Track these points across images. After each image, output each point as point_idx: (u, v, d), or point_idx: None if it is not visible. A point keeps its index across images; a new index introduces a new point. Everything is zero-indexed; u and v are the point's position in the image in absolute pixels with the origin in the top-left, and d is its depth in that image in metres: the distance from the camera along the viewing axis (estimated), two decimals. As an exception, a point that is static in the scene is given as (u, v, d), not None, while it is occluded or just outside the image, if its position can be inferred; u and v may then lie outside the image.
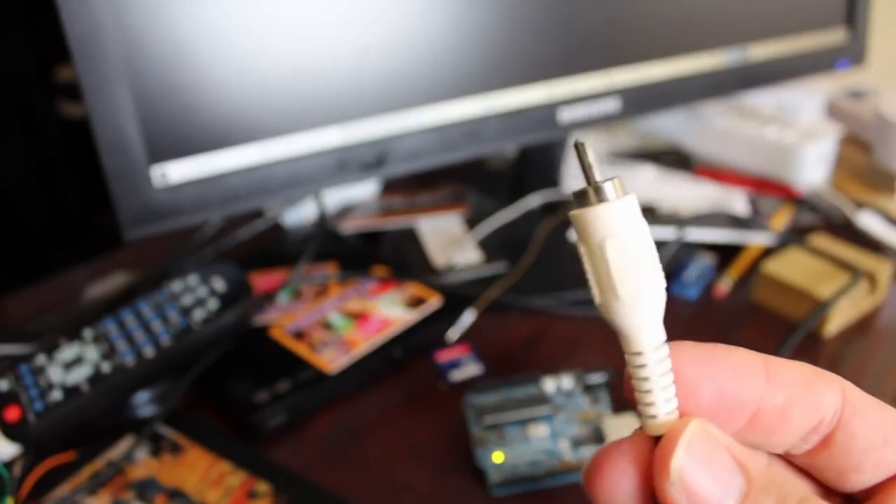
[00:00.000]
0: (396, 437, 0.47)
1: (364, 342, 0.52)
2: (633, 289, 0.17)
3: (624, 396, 0.19)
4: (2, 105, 1.38)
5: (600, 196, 0.17)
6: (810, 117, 0.79)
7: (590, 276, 0.18)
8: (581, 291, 0.58)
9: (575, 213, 0.18)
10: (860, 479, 0.18)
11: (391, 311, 0.55)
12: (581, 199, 0.18)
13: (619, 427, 0.44)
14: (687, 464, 0.16)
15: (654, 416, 0.18)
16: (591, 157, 0.18)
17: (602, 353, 0.52)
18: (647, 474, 0.17)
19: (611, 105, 0.60)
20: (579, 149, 0.18)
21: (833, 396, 0.18)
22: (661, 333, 0.18)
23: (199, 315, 0.48)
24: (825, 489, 0.19)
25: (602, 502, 0.18)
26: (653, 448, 0.17)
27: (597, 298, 0.18)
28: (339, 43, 0.49)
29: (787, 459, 0.19)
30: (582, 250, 0.18)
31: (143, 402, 0.48)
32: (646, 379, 0.18)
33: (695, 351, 0.18)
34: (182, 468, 0.43)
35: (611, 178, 0.18)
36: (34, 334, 0.54)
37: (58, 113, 1.43)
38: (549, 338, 0.55)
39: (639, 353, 0.18)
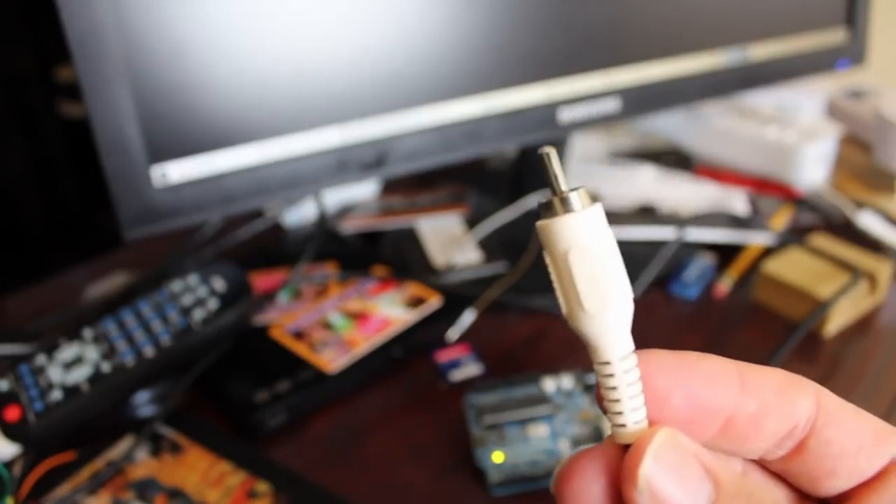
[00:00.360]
0: (396, 437, 0.47)
1: (364, 342, 0.52)
2: (599, 300, 0.17)
3: (596, 404, 0.19)
4: (2, 105, 1.39)
5: (566, 206, 0.17)
6: (810, 117, 0.79)
7: (556, 286, 0.18)
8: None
9: (540, 223, 0.18)
10: (834, 484, 0.18)
11: (391, 311, 0.55)
12: (547, 209, 0.18)
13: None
14: (655, 472, 0.17)
15: (622, 425, 0.18)
16: (557, 166, 0.18)
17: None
18: (616, 483, 0.17)
19: (611, 105, 0.60)
20: (545, 158, 0.18)
21: (807, 403, 0.18)
22: (629, 343, 0.18)
23: (199, 315, 0.48)
24: (800, 494, 0.19)
25: None
26: (622, 457, 0.17)
27: (563, 309, 0.18)
28: (339, 43, 0.49)
29: (762, 465, 0.19)
30: (548, 261, 0.18)
31: (143, 402, 0.48)
32: (614, 388, 0.18)
33: (666, 359, 0.18)
34: (182, 468, 0.43)
35: (576, 188, 0.18)
36: (34, 334, 0.54)
37: (58, 113, 1.43)
38: (549, 338, 0.55)
39: (606, 363, 0.18)
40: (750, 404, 0.18)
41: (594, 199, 0.18)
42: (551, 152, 0.18)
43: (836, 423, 0.18)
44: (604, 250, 0.17)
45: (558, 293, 0.18)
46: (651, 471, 0.17)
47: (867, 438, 0.18)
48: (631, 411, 0.18)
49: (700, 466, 0.17)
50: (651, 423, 0.18)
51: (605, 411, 0.18)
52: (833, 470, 0.18)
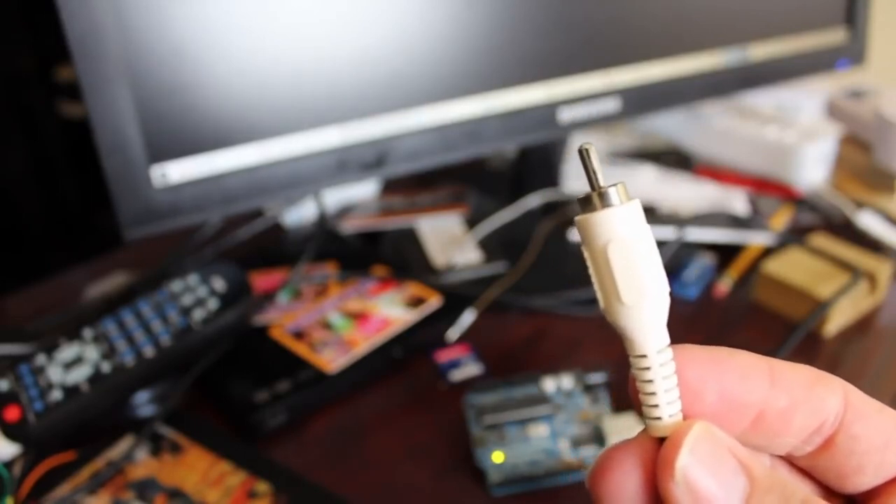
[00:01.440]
0: (396, 437, 0.47)
1: (364, 342, 0.52)
2: (637, 293, 0.18)
3: (629, 397, 0.19)
4: (2, 105, 1.39)
5: (605, 201, 0.18)
6: (810, 117, 0.79)
7: (594, 280, 0.18)
8: (581, 291, 0.58)
9: (579, 218, 0.18)
10: (862, 480, 0.18)
11: (391, 310, 0.55)
12: (585, 204, 0.18)
13: (619, 427, 0.44)
14: (691, 464, 0.17)
15: (658, 418, 0.18)
16: (596, 162, 0.18)
17: (602, 353, 0.52)
18: (652, 475, 0.17)
19: (611, 105, 0.60)
20: (584, 154, 0.18)
21: (835, 399, 0.18)
22: (665, 337, 0.18)
23: (199, 315, 0.48)
24: (827, 491, 0.19)
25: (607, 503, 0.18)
26: (657, 449, 0.18)
27: (601, 303, 0.18)
28: (339, 43, 0.49)
29: (790, 461, 0.19)
30: (586, 255, 0.18)
31: (143, 402, 0.48)
32: (650, 381, 0.18)
33: (699, 353, 0.18)
34: (182, 468, 0.43)
35: (615, 184, 0.18)
36: (34, 334, 0.54)
37: (58, 113, 1.43)
38: (549, 338, 0.55)
39: (643, 357, 0.18)
40: (780, 399, 0.18)
41: (631, 195, 0.18)
42: (591, 148, 0.18)
43: (864, 419, 0.18)
44: (642, 244, 0.18)
45: (596, 287, 0.18)
46: (687, 463, 0.17)
47: (894, 434, 0.18)
48: (667, 404, 0.18)
49: (735, 460, 0.17)
50: (685, 417, 0.18)
51: (639, 405, 0.18)
52: (860, 466, 0.18)
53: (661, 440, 0.18)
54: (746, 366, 0.18)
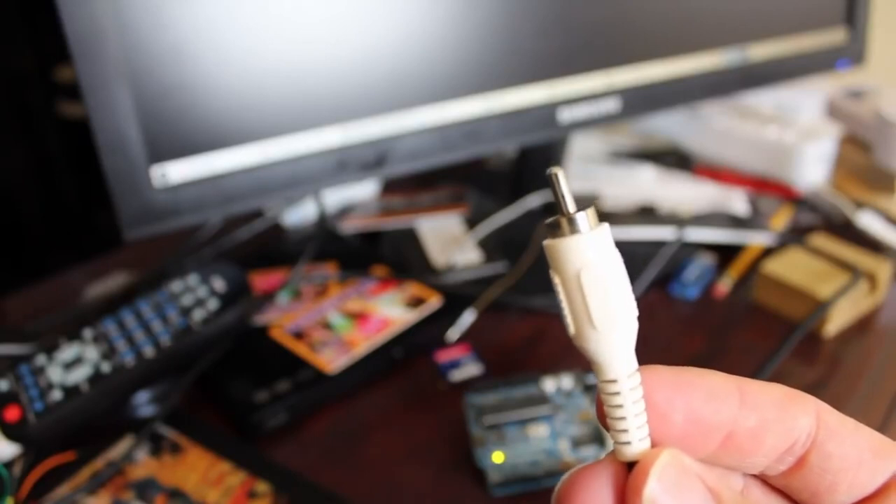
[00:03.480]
0: (396, 437, 0.47)
1: (364, 342, 0.52)
2: (608, 318, 0.18)
3: (598, 420, 0.19)
4: (2, 105, 1.39)
5: (573, 227, 0.18)
6: (810, 117, 0.79)
7: (564, 305, 0.18)
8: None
9: (549, 243, 0.18)
10: (835, 499, 0.18)
11: (391, 311, 0.55)
12: (555, 228, 0.18)
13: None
14: (659, 493, 0.17)
15: (627, 443, 0.18)
16: (565, 187, 0.18)
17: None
18: (619, 499, 0.18)
19: (611, 105, 0.60)
20: (554, 178, 0.18)
21: (807, 419, 0.18)
22: (634, 361, 0.18)
23: (198, 315, 0.48)
24: None
25: None
26: (625, 473, 0.18)
27: (571, 328, 0.18)
28: (339, 43, 0.49)
29: (763, 480, 0.19)
30: (556, 280, 0.18)
31: (143, 402, 0.48)
32: (619, 406, 0.18)
33: (666, 375, 0.18)
34: (182, 468, 0.43)
35: (584, 208, 0.18)
36: (34, 334, 0.54)
37: (58, 113, 1.44)
38: (549, 338, 0.55)
39: (613, 381, 0.18)
40: (749, 419, 0.18)
41: (600, 219, 0.18)
42: (559, 172, 0.18)
43: (837, 437, 0.18)
44: (612, 270, 0.18)
45: (566, 312, 0.18)
46: (655, 490, 0.17)
47: (867, 453, 0.18)
48: (636, 429, 0.18)
49: (703, 487, 0.17)
50: (653, 440, 0.18)
51: (608, 429, 0.18)
52: (834, 484, 0.18)
53: (630, 465, 0.18)
54: (714, 386, 0.18)
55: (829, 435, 0.18)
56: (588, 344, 0.18)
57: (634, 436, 0.18)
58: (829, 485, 0.18)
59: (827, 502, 0.19)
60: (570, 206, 0.18)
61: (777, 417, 0.18)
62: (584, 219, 0.18)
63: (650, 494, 0.17)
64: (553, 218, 0.18)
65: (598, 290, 0.18)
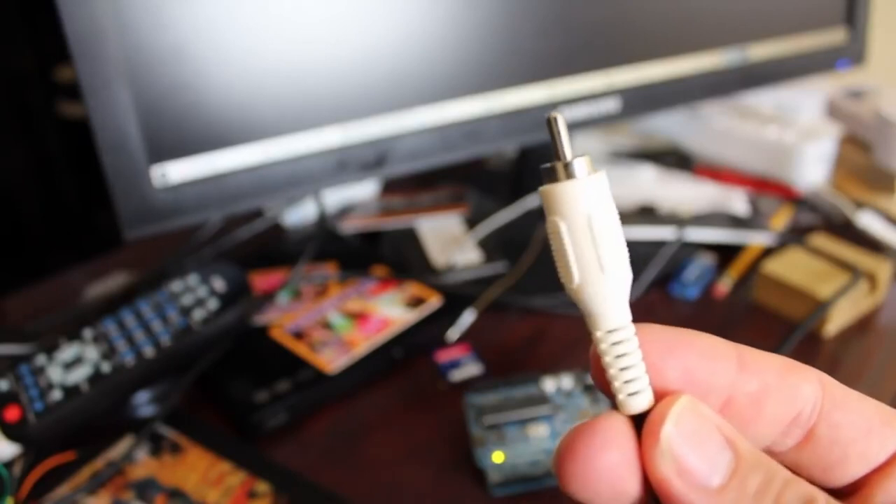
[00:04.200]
0: (396, 437, 0.47)
1: (364, 342, 0.52)
2: (617, 261, 0.17)
3: (594, 381, 0.19)
4: (2, 105, 1.39)
5: (573, 172, 0.17)
6: (810, 117, 0.79)
7: (569, 252, 0.18)
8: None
9: (553, 187, 0.17)
10: (847, 471, 0.18)
11: (391, 311, 0.55)
12: (554, 174, 0.18)
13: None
14: (676, 437, 0.16)
15: (635, 393, 0.17)
16: (565, 132, 0.18)
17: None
18: (624, 453, 0.17)
19: (611, 105, 0.60)
20: (552, 122, 0.18)
21: (811, 388, 0.18)
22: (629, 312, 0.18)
23: (198, 315, 0.48)
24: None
25: (577, 485, 0.17)
26: (629, 427, 0.17)
27: (576, 276, 0.18)
28: (340, 43, 0.49)
29: (774, 458, 0.19)
30: (562, 226, 0.18)
31: (143, 402, 0.48)
32: (625, 355, 0.18)
33: (661, 333, 0.18)
34: (182, 468, 0.43)
35: (581, 155, 0.18)
36: (34, 334, 0.54)
37: (58, 113, 1.44)
38: (549, 338, 0.55)
39: (618, 329, 0.18)
40: (749, 384, 0.18)
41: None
42: (558, 117, 0.18)
43: (843, 407, 0.18)
44: (615, 214, 0.18)
45: (571, 258, 0.18)
46: (672, 436, 0.16)
47: (876, 421, 0.18)
48: (642, 378, 0.18)
49: (721, 435, 0.17)
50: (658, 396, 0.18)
51: (606, 386, 0.18)
52: (845, 456, 0.18)
53: (636, 418, 0.17)
54: (711, 347, 0.18)
55: (835, 404, 0.18)
56: (595, 291, 0.17)
57: (642, 384, 0.18)
58: (839, 457, 0.18)
59: (839, 475, 0.18)
60: (569, 151, 0.18)
61: (778, 384, 0.18)
62: (583, 164, 0.18)
63: (667, 438, 0.16)
64: (550, 164, 0.18)
65: (608, 234, 0.17)
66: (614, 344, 0.18)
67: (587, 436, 0.17)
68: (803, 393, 0.18)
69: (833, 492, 0.18)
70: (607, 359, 0.18)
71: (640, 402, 0.17)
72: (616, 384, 0.18)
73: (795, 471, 0.18)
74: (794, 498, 0.16)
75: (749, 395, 0.18)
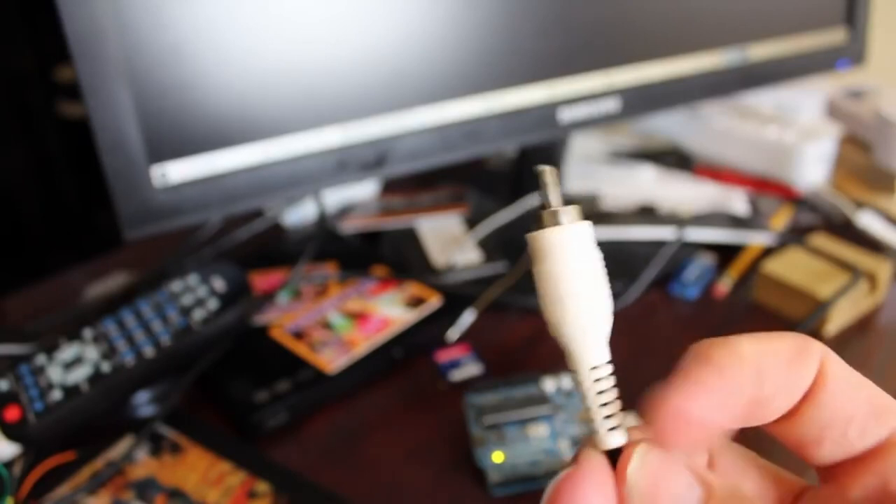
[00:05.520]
0: (396, 437, 0.47)
1: (364, 342, 0.52)
2: (597, 303, 0.19)
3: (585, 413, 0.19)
4: (2, 105, 1.39)
5: (555, 220, 0.19)
6: (810, 117, 0.79)
7: (551, 295, 0.19)
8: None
9: (530, 235, 0.19)
10: (820, 453, 0.18)
11: (391, 311, 0.55)
12: (536, 222, 0.19)
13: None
14: (641, 476, 0.17)
15: (614, 428, 0.18)
16: (552, 184, 0.19)
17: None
18: (608, 494, 0.17)
19: (611, 105, 0.60)
20: (541, 176, 0.19)
21: (810, 374, 0.18)
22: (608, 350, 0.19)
23: (198, 315, 0.48)
24: (788, 490, 0.19)
25: None
26: (608, 466, 0.18)
27: (558, 318, 0.19)
28: (340, 43, 0.49)
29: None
30: (545, 270, 0.19)
31: (143, 402, 0.48)
32: (605, 391, 0.19)
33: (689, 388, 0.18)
34: (182, 468, 0.43)
35: (568, 205, 0.19)
36: (34, 334, 0.54)
37: (58, 113, 1.43)
38: (549, 338, 0.54)
39: (598, 367, 0.19)
40: (762, 390, 0.18)
41: (598, 219, 0.19)
42: (547, 171, 0.19)
43: (834, 391, 0.18)
44: (589, 264, 0.19)
45: (553, 300, 0.19)
46: (637, 474, 0.17)
47: (863, 411, 0.18)
48: (619, 414, 0.19)
49: (688, 472, 0.17)
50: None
51: (595, 419, 0.19)
52: (820, 438, 0.18)
53: (613, 453, 0.18)
54: (730, 385, 0.18)
55: (826, 387, 0.18)
56: (576, 329, 0.19)
57: (620, 419, 0.19)
58: (815, 438, 0.18)
59: (815, 455, 0.18)
60: (555, 201, 0.19)
61: (786, 382, 0.18)
62: (570, 213, 0.19)
63: (633, 477, 0.17)
64: (538, 211, 0.19)
65: (589, 278, 0.18)
66: (595, 381, 0.19)
67: (576, 482, 0.18)
68: (804, 381, 0.18)
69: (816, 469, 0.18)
70: (589, 395, 0.19)
71: (618, 437, 0.18)
72: (596, 419, 0.19)
73: (775, 437, 0.19)
74: None
75: (758, 401, 0.18)
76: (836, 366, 0.18)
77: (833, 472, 0.18)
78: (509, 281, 0.59)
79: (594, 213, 0.67)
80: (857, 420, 0.17)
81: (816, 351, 0.18)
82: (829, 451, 0.18)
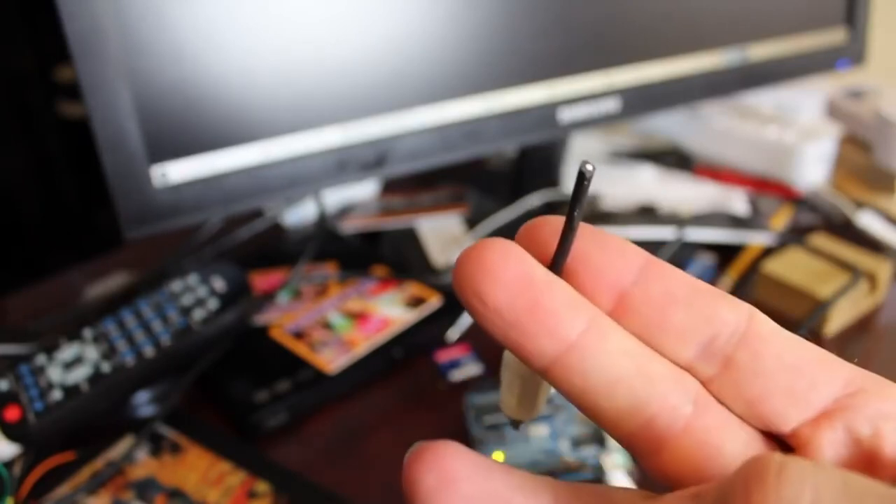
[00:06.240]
0: (396, 437, 0.47)
1: (364, 342, 0.52)
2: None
3: None
4: (2, 105, 1.39)
5: None
6: (810, 117, 0.79)
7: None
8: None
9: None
10: (775, 410, 0.16)
11: (391, 311, 0.55)
12: None
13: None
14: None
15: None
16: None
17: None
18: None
19: (611, 105, 0.60)
20: (586, 175, 0.17)
21: (734, 314, 0.17)
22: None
23: (198, 315, 0.48)
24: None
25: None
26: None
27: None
28: (340, 43, 0.49)
29: (706, 387, 0.17)
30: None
31: (143, 402, 0.48)
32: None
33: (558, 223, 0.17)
34: (182, 468, 0.43)
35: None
36: (34, 334, 0.54)
37: (58, 113, 1.44)
38: (549, 338, 0.55)
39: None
40: (652, 286, 0.17)
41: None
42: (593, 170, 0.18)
43: (770, 341, 0.16)
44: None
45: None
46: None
47: (807, 359, 0.16)
48: None
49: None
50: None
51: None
52: (767, 390, 0.16)
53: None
54: (617, 243, 0.17)
55: (760, 336, 0.16)
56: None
57: None
58: (761, 391, 0.16)
59: (767, 413, 0.17)
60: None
61: (690, 300, 0.17)
62: None
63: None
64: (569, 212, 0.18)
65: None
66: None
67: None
68: (721, 315, 0.17)
69: (782, 443, 0.17)
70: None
71: None
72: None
73: (722, 403, 0.17)
74: None
75: (650, 297, 0.17)
76: (772, 325, 0.17)
77: (799, 438, 0.17)
78: (509, 281, 0.58)
79: (594, 213, 0.67)
80: (803, 371, 0.16)
81: (745, 304, 0.17)
82: (783, 406, 0.16)
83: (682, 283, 0.17)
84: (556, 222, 0.17)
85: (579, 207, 0.16)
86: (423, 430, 0.47)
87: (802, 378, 0.16)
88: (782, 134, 0.72)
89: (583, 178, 0.16)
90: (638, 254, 0.17)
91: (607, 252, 0.17)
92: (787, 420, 0.17)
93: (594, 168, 0.16)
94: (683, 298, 0.17)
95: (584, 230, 0.17)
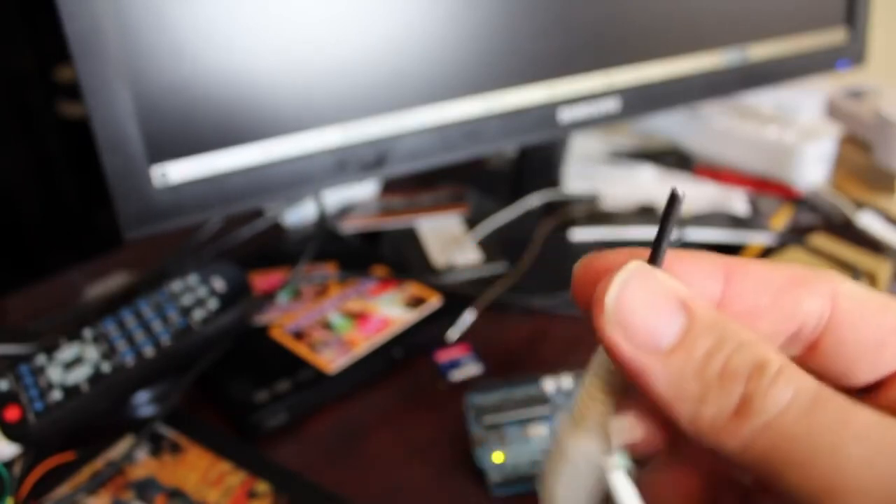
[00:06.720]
0: (396, 437, 0.47)
1: (364, 342, 0.52)
2: None
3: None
4: (2, 105, 1.39)
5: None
6: (810, 117, 0.79)
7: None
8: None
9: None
10: (858, 379, 0.17)
11: (391, 311, 0.55)
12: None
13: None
14: (620, 302, 0.16)
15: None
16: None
17: (602, 353, 0.52)
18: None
19: (611, 105, 0.60)
20: (676, 202, 0.17)
21: (816, 302, 0.17)
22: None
23: (198, 315, 0.48)
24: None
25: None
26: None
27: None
28: (340, 42, 0.49)
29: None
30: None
31: (143, 402, 0.48)
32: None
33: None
34: (182, 468, 0.43)
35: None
36: (34, 334, 0.54)
37: (58, 113, 1.44)
38: (549, 338, 0.55)
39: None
40: (734, 303, 0.17)
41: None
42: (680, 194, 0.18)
43: (854, 321, 0.17)
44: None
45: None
46: (614, 301, 0.16)
47: (891, 334, 0.17)
48: None
49: (674, 297, 0.16)
50: None
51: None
52: (852, 370, 0.17)
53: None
54: (694, 261, 0.17)
55: (844, 319, 0.17)
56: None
57: None
58: (845, 369, 0.17)
59: (851, 381, 0.17)
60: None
61: (773, 303, 0.17)
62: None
63: (611, 304, 0.16)
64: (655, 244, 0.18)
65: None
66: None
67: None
68: (805, 308, 0.17)
69: (849, 390, 0.17)
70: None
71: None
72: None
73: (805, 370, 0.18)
74: (743, 361, 0.15)
75: (737, 313, 0.17)
76: (853, 294, 0.17)
77: (877, 387, 0.17)
78: (509, 281, 0.59)
79: (594, 213, 0.67)
80: (888, 345, 0.17)
81: (825, 282, 0.17)
82: (868, 374, 0.17)
83: (764, 287, 0.17)
84: (611, 257, 0.18)
85: (669, 230, 0.17)
86: (423, 430, 0.47)
87: (888, 352, 0.17)
88: (782, 134, 0.72)
89: (674, 201, 0.16)
90: (714, 269, 0.17)
91: (691, 270, 0.17)
92: (866, 381, 0.17)
93: (685, 194, 0.17)
94: (765, 305, 0.17)
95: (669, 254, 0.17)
